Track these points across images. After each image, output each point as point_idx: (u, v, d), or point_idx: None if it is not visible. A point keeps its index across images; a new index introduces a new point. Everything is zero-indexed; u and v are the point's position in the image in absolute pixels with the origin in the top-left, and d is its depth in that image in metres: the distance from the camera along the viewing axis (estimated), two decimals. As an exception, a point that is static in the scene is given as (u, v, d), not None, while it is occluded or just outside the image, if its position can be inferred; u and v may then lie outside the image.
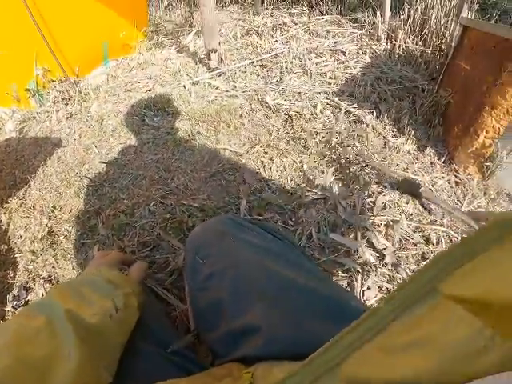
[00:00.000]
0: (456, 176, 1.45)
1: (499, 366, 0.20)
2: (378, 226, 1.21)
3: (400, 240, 1.17)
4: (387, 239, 1.17)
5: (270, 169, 1.47)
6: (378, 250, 1.13)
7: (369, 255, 1.11)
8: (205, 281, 0.68)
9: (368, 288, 1.04)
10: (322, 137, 1.63)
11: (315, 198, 1.31)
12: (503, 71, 1.25)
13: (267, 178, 1.43)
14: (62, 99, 1.97)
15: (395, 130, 1.69)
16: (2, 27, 1.73)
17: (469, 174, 1.45)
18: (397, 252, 1.13)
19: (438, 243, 1.16)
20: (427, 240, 1.18)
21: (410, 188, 0.80)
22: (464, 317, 0.23)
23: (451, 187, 1.41)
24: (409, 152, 1.56)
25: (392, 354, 0.27)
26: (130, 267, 0.77)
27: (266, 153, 1.55)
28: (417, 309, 0.26)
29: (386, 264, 1.10)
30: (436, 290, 0.26)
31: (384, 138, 1.63)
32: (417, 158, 1.53)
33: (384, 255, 1.12)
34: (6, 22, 1.73)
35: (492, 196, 1.36)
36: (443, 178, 1.44)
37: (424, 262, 1.12)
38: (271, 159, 1.51)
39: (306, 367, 0.32)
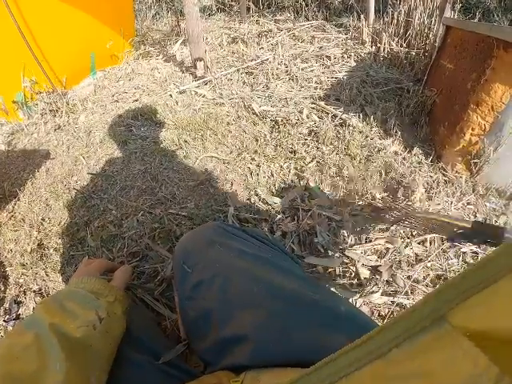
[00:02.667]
0: (444, 174, 1.46)
1: None
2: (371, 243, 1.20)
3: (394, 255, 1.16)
4: (379, 256, 1.16)
5: (258, 175, 1.47)
6: (371, 266, 1.13)
7: (363, 269, 1.11)
8: (193, 289, 0.67)
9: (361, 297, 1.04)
10: (309, 143, 1.64)
11: (302, 206, 1.31)
12: (486, 68, 1.27)
13: (255, 184, 1.43)
14: (50, 111, 1.97)
15: (382, 131, 1.70)
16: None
17: (457, 171, 1.45)
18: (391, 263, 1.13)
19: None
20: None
21: (487, 233, 0.65)
22: (470, 351, 0.22)
23: (440, 186, 1.42)
24: (396, 153, 1.57)
25: (388, 382, 0.25)
26: (115, 272, 0.77)
27: (253, 159, 1.56)
28: (421, 337, 0.25)
29: (380, 272, 1.10)
30: (443, 319, 0.24)
31: (371, 139, 1.64)
32: (404, 159, 1.54)
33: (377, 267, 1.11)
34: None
35: (481, 192, 1.36)
36: (431, 177, 1.45)
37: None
38: (258, 166, 1.52)
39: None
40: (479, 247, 1.15)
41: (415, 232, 1.19)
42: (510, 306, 0.21)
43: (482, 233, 0.68)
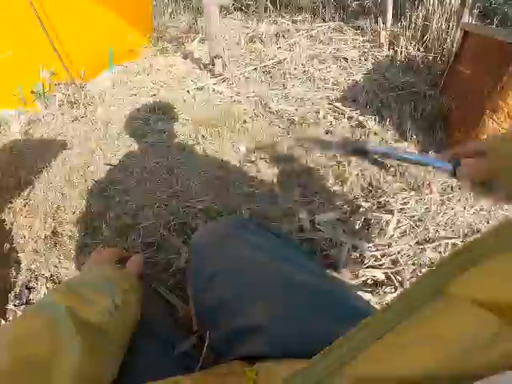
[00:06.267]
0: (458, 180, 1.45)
1: (508, 357, 0.21)
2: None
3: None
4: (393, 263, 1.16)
5: (274, 173, 1.48)
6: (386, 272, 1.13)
7: (378, 273, 1.11)
8: (208, 281, 0.68)
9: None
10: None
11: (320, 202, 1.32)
12: (504, 75, 1.26)
13: (271, 182, 1.44)
14: (68, 102, 1.99)
15: (398, 134, 1.70)
16: (10, 29, 1.77)
17: (471, 177, 1.44)
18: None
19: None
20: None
21: (355, 148, 0.70)
22: (471, 310, 0.24)
23: (454, 191, 1.41)
24: (411, 156, 1.56)
25: (400, 351, 0.26)
26: (127, 262, 0.77)
27: (270, 157, 1.57)
28: (424, 309, 0.26)
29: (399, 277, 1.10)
30: (443, 292, 0.26)
31: (386, 142, 1.64)
32: (419, 163, 1.53)
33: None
34: (14, 24, 1.77)
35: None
36: (446, 181, 1.45)
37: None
38: (275, 164, 1.53)
39: (311, 367, 0.31)
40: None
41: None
42: (504, 277, 0.23)
43: (350, 145, 0.72)
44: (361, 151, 0.70)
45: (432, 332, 0.25)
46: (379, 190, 1.38)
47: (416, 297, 0.27)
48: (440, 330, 0.25)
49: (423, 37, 2.26)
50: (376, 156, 0.69)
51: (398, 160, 0.68)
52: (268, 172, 1.49)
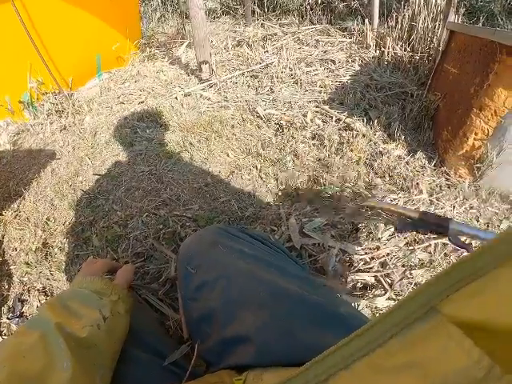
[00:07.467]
0: (447, 179, 1.46)
1: None
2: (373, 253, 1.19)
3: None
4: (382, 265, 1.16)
5: (261, 178, 1.48)
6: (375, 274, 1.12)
7: (366, 276, 1.11)
8: (196, 290, 0.68)
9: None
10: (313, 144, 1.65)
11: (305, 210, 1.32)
12: (490, 73, 1.27)
13: (258, 187, 1.45)
14: (56, 111, 1.99)
15: (385, 135, 1.71)
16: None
17: (460, 175, 1.45)
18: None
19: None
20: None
21: (433, 223, 0.67)
22: (463, 342, 0.22)
23: (443, 190, 1.42)
24: (399, 157, 1.57)
25: (384, 374, 0.26)
26: (117, 272, 0.77)
27: (257, 162, 1.57)
28: (415, 328, 0.25)
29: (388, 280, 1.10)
30: (436, 310, 0.25)
31: (375, 143, 1.65)
32: (407, 163, 1.54)
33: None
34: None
35: (483, 197, 1.36)
36: (434, 181, 1.46)
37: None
38: (262, 168, 1.53)
39: (302, 374, 0.31)
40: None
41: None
42: (502, 297, 0.22)
43: (428, 222, 0.71)
44: (442, 229, 0.67)
45: (418, 359, 0.24)
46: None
47: (408, 314, 0.26)
48: (426, 358, 0.24)
49: (410, 37, 2.28)
50: (459, 234, 0.66)
51: (482, 240, 0.65)
52: (257, 179, 1.49)
